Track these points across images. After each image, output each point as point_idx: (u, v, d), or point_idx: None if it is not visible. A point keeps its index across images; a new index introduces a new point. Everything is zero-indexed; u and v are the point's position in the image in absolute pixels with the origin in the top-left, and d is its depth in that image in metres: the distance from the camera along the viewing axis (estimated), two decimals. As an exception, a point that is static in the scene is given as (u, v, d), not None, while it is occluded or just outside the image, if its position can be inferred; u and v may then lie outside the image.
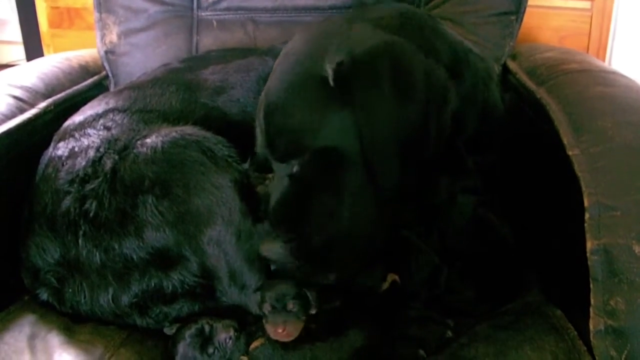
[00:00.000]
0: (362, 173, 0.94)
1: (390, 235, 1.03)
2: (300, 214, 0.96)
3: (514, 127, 1.25)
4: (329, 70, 0.93)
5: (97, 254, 1.01)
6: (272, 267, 1.06)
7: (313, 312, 0.98)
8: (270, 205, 1.00)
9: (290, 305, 0.96)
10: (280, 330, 0.94)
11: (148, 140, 1.05)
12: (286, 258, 0.96)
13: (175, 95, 1.24)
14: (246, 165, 1.11)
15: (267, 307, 0.97)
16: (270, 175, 1.13)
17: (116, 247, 1.00)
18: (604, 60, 1.72)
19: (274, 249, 0.97)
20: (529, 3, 1.50)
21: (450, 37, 1.12)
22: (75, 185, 1.04)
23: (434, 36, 1.06)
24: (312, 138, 0.95)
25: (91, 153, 1.07)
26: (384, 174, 0.94)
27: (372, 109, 0.91)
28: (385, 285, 1.02)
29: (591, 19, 1.69)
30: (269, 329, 0.95)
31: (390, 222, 1.01)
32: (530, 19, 1.58)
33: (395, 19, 1.05)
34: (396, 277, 1.02)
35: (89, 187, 1.03)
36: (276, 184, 1.01)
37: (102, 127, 1.13)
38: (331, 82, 0.93)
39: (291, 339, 0.95)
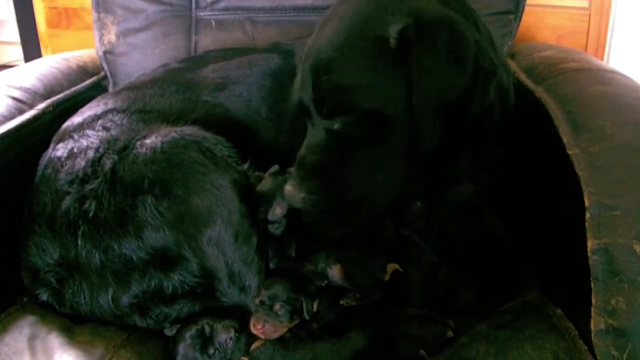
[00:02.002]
0: (404, 135, 0.98)
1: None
2: (335, 167, 0.99)
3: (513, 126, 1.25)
4: (393, 33, 0.95)
5: (97, 254, 1.01)
6: (271, 265, 1.06)
7: (297, 320, 0.99)
8: (301, 153, 1.02)
9: (277, 306, 0.97)
10: (258, 327, 0.96)
11: (147, 141, 1.05)
12: (305, 207, 0.99)
13: (175, 95, 1.25)
14: (246, 166, 1.11)
15: (256, 301, 0.99)
16: (270, 171, 1.12)
17: (115, 247, 1.00)
18: (602, 58, 1.72)
19: (295, 197, 0.99)
20: (527, 2, 1.50)
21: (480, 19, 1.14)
22: (75, 185, 1.04)
23: (475, 15, 1.10)
24: (363, 98, 0.96)
25: (90, 154, 1.07)
26: (427, 133, 0.98)
27: (427, 72, 0.94)
28: (387, 277, 1.02)
29: (589, 18, 1.70)
30: (251, 322, 0.97)
31: (419, 183, 1.06)
32: (528, 17, 1.58)
33: None
34: (397, 267, 1.02)
35: (88, 187, 1.03)
36: (311, 134, 1.03)
37: (101, 128, 1.13)
38: (393, 45, 0.95)
39: (268, 338, 0.96)
